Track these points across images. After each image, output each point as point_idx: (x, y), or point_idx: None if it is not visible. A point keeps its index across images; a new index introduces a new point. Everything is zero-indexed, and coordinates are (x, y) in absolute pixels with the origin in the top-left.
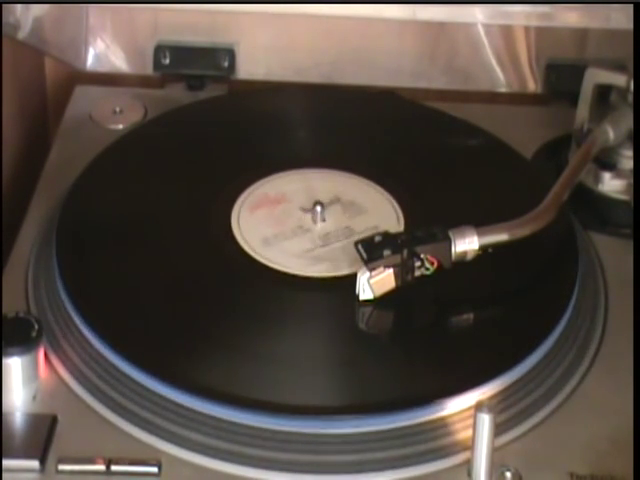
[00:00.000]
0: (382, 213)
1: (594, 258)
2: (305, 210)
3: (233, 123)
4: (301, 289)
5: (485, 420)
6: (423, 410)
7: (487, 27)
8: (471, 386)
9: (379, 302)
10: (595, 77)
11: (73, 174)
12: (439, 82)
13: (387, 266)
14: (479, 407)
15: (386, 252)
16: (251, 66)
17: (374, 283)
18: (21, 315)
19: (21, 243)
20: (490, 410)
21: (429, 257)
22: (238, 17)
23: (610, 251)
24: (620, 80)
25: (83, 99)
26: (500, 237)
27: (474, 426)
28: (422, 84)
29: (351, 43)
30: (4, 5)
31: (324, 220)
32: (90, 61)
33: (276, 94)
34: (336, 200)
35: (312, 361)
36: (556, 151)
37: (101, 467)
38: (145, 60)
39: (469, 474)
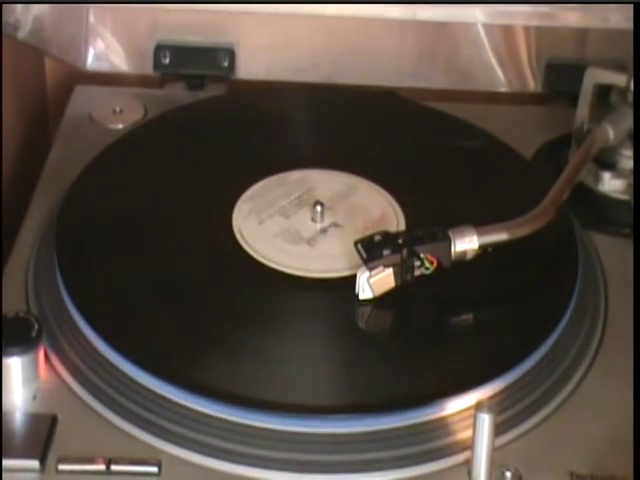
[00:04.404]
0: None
1: (594, 258)
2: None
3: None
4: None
5: (485, 420)
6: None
7: (487, 27)
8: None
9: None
10: (595, 77)
11: (73, 174)
12: (439, 82)
13: (387, 265)
14: (479, 407)
15: (386, 252)
16: (251, 66)
17: (374, 283)
18: (21, 315)
19: (21, 243)
20: (490, 410)
21: (429, 256)
22: (238, 17)
23: (610, 251)
24: (620, 80)
25: (83, 99)
26: (500, 237)
27: (474, 426)
28: (422, 84)
29: (351, 43)
30: (4, 5)
31: (324, 220)
32: (90, 61)
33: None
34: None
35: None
36: (556, 151)
37: (101, 467)
38: (145, 60)
39: (469, 474)
